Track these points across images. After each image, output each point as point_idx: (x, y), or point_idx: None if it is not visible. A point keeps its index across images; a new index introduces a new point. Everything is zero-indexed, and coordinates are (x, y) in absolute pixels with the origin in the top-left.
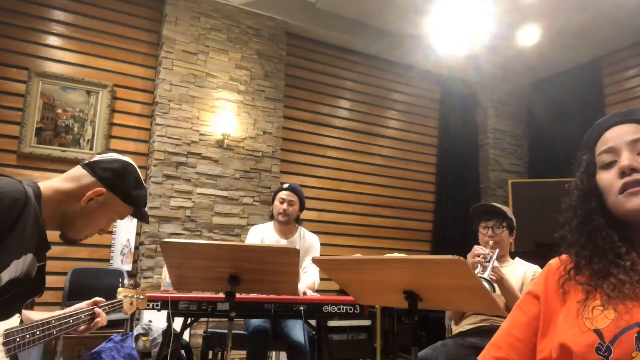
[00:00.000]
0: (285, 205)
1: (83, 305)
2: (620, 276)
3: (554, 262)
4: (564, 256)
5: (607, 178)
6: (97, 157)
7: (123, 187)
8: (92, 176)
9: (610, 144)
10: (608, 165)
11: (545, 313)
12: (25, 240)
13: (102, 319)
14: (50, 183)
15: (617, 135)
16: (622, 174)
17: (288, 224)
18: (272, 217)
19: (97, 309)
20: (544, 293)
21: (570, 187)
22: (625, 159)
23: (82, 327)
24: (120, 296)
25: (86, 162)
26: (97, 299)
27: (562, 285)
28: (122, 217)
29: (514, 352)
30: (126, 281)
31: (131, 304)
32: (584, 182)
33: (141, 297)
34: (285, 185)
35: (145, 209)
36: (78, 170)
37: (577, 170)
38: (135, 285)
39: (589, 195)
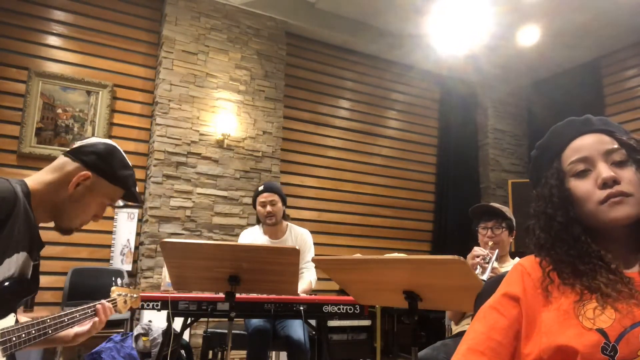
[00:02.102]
0: (268, 208)
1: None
2: (611, 277)
3: (525, 262)
4: (536, 257)
5: (584, 187)
6: (78, 143)
7: (108, 169)
8: (76, 162)
9: (584, 153)
10: (582, 174)
11: (527, 315)
12: (17, 239)
13: (103, 313)
14: (37, 177)
15: (590, 144)
16: (604, 185)
17: (277, 224)
18: (258, 221)
19: (99, 306)
20: (523, 294)
21: (539, 192)
22: (606, 171)
23: (82, 329)
24: (114, 295)
25: (68, 150)
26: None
27: (545, 287)
28: (113, 201)
29: (496, 357)
30: (119, 280)
31: (125, 302)
32: (559, 189)
33: (135, 295)
34: (261, 188)
35: (137, 189)
36: (61, 159)
37: (541, 177)
38: (129, 284)
39: (565, 202)
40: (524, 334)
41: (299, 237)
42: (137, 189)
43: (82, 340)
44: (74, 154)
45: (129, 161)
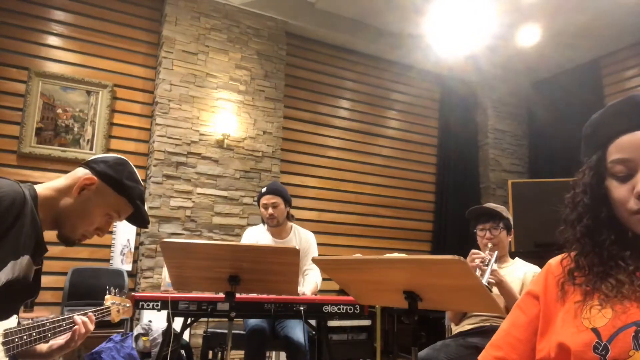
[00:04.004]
0: (270, 210)
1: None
2: (620, 277)
3: (553, 261)
4: (563, 255)
5: (620, 193)
6: (95, 156)
7: (115, 176)
8: (86, 169)
9: (627, 154)
10: (621, 179)
11: (545, 313)
12: (23, 242)
13: (82, 327)
14: (47, 184)
15: (637, 146)
16: (639, 198)
17: (279, 226)
18: (263, 221)
19: (76, 317)
20: (543, 293)
21: (576, 184)
22: None
23: (58, 342)
24: (108, 303)
25: (85, 161)
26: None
27: (562, 286)
28: (119, 214)
29: (514, 352)
30: (112, 289)
31: (118, 311)
32: (594, 186)
33: (127, 305)
34: (264, 190)
35: (146, 208)
36: (77, 169)
37: (584, 163)
38: (122, 294)
39: (599, 204)
40: (540, 331)
41: (302, 238)
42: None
43: (59, 355)
44: (87, 163)
45: (139, 178)
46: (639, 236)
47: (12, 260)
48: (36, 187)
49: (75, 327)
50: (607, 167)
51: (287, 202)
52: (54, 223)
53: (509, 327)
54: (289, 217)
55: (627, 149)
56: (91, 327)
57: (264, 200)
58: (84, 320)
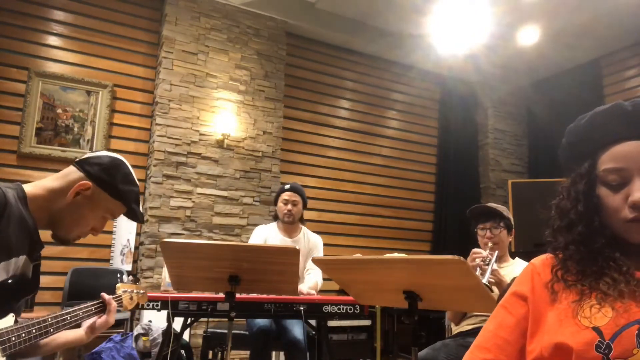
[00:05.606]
0: (289, 206)
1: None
2: (615, 275)
3: (537, 261)
4: (548, 255)
5: (613, 202)
6: (87, 155)
7: (109, 181)
8: (80, 171)
9: (620, 164)
10: (614, 187)
11: (534, 313)
12: (11, 243)
13: (112, 307)
14: (39, 182)
15: (631, 156)
16: (634, 206)
17: (293, 223)
18: (275, 218)
19: (103, 295)
20: (531, 293)
21: (566, 189)
22: (638, 192)
23: (90, 323)
24: (119, 291)
25: (77, 160)
26: (103, 294)
27: (552, 288)
28: (114, 215)
29: (502, 354)
30: (125, 277)
31: (131, 298)
32: (586, 194)
33: (141, 292)
34: (287, 186)
35: (140, 208)
36: (69, 168)
37: (571, 167)
38: (135, 281)
39: (592, 212)
40: (530, 332)
41: (311, 240)
42: (141, 206)
43: (95, 335)
44: (80, 164)
45: (135, 177)
46: (631, 243)
47: (3, 261)
48: (25, 186)
49: (110, 301)
50: (598, 175)
51: (305, 204)
52: (48, 223)
53: (496, 328)
54: (301, 220)
55: (621, 159)
56: (114, 303)
57: (285, 195)
58: (108, 297)
